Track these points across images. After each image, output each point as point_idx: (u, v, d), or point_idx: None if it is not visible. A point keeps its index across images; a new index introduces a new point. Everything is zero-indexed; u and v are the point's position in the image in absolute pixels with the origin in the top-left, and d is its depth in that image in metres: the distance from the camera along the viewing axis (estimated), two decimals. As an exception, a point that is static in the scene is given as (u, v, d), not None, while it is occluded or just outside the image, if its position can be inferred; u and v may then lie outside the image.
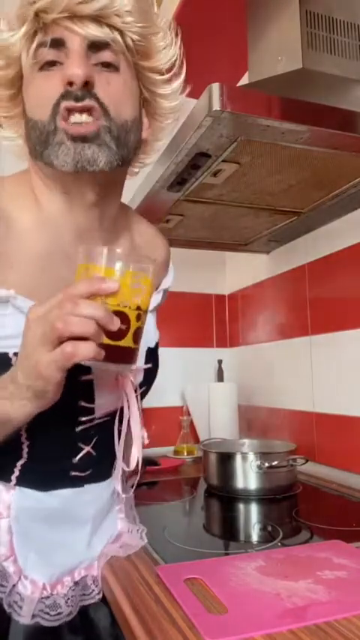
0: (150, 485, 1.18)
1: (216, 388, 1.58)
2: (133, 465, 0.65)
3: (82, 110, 0.56)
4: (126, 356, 0.52)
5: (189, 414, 1.60)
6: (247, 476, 1.02)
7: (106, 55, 0.57)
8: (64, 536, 0.66)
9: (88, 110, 0.56)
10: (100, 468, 0.69)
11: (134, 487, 0.77)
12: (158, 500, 1.06)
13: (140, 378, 0.70)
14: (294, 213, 1.19)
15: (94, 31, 0.56)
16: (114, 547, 0.71)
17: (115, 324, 0.49)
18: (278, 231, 1.32)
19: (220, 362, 1.64)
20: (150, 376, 0.73)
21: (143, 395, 0.72)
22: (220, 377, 1.63)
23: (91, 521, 0.69)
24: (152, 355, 0.75)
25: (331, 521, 0.86)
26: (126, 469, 0.67)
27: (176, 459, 1.46)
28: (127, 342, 0.52)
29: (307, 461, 1.05)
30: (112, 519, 0.74)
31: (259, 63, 1.12)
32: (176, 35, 0.65)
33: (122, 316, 0.50)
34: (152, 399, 1.62)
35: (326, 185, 1.02)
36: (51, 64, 0.57)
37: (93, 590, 0.66)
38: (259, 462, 1.01)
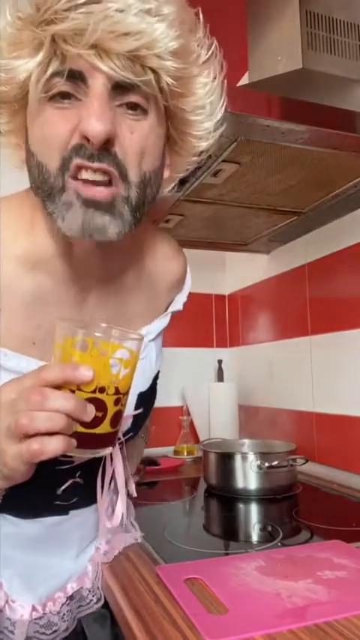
0: (150, 485, 1.18)
1: (216, 388, 1.58)
2: (117, 522, 0.64)
3: (96, 170, 0.47)
4: (103, 441, 0.47)
5: (189, 414, 1.60)
6: (247, 476, 1.02)
7: (133, 97, 0.47)
8: (49, 561, 0.65)
9: (103, 171, 0.47)
10: (85, 495, 0.65)
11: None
12: (158, 500, 1.06)
13: (128, 425, 0.65)
14: (294, 213, 1.19)
15: (123, 71, 0.45)
16: (100, 554, 0.70)
17: (89, 414, 0.44)
18: (278, 231, 1.32)
19: (220, 362, 1.64)
20: (139, 421, 0.68)
21: (133, 435, 0.69)
22: (220, 377, 1.63)
23: (76, 544, 0.68)
24: (150, 391, 0.72)
25: (331, 521, 0.86)
26: (109, 526, 0.66)
27: (176, 459, 1.46)
28: (103, 428, 0.46)
29: (307, 461, 1.05)
30: (89, 536, 0.71)
31: (259, 63, 1.12)
32: (219, 66, 0.56)
33: (98, 403, 0.45)
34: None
35: (326, 185, 1.02)
36: (64, 95, 0.46)
37: (91, 600, 0.66)
38: (259, 462, 1.01)
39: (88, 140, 0.45)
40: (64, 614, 0.63)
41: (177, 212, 1.15)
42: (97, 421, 0.45)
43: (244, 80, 1.59)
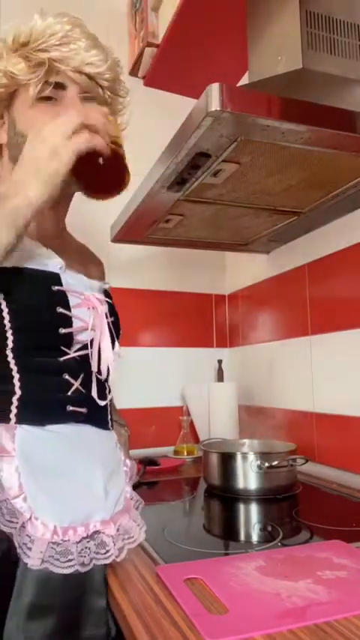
0: (150, 485, 1.18)
1: (216, 388, 1.58)
2: (103, 368, 0.73)
3: None
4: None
5: (189, 414, 1.60)
6: (247, 476, 1.02)
7: (89, 104, 0.74)
8: (75, 478, 0.66)
9: None
10: (95, 411, 0.72)
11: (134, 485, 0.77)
12: (158, 500, 1.06)
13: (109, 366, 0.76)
14: (294, 213, 1.19)
15: (89, 85, 0.75)
16: (125, 516, 0.69)
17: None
18: (278, 231, 1.32)
19: (220, 362, 1.64)
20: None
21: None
22: (220, 377, 1.63)
23: (100, 466, 0.69)
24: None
25: (331, 521, 0.86)
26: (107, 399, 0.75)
27: (176, 459, 1.46)
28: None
29: (307, 461, 1.05)
30: (121, 478, 0.74)
31: (259, 63, 1.12)
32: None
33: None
34: (152, 399, 1.63)
35: (326, 185, 1.02)
36: (48, 98, 0.73)
37: (108, 550, 0.64)
38: (259, 462, 1.01)
39: None
40: (82, 550, 0.62)
41: (177, 212, 1.15)
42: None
43: (244, 80, 1.59)
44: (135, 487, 1.11)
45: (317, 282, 1.33)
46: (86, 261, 0.88)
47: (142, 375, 1.60)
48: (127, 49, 1.73)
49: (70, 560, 0.60)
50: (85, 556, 0.62)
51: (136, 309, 1.64)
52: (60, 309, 0.68)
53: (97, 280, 0.84)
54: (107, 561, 0.64)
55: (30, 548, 0.59)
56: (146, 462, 1.28)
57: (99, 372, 0.74)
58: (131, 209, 1.15)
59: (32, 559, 0.58)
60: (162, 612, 0.55)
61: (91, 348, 0.73)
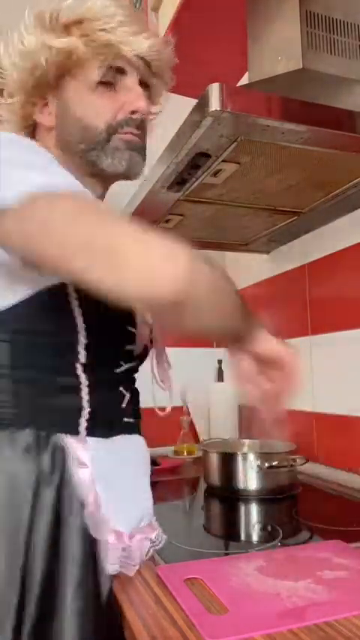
0: (150, 485, 1.18)
1: (216, 388, 1.58)
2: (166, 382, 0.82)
3: (137, 136, 0.69)
4: None
5: (189, 414, 1.60)
6: (248, 476, 1.02)
7: (146, 93, 0.71)
8: (136, 487, 0.68)
9: (140, 138, 0.70)
10: (138, 421, 0.74)
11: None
12: (158, 501, 1.06)
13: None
14: (294, 213, 1.19)
15: (147, 72, 0.71)
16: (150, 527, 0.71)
17: None
18: (278, 231, 1.32)
19: (220, 362, 1.64)
20: None
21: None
22: (220, 377, 1.63)
23: (147, 472, 0.71)
24: None
25: (331, 521, 0.86)
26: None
27: (176, 458, 1.46)
28: None
29: (307, 461, 1.05)
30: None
31: (259, 63, 1.12)
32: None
33: None
34: (152, 399, 1.62)
35: (326, 185, 1.02)
36: (107, 84, 0.68)
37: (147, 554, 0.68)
38: (259, 462, 1.01)
39: (134, 113, 0.68)
40: (140, 553, 0.65)
41: (177, 212, 1.15)
42: None
43: (244, 80, 1.59)
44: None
45: (317, 282, 1.33)
46: None
47: (142, 375, 1.60)
48: (127, 49, 1.73)
49: (134, 565, 0.64)
50: (142, 558, 0.65)
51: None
52: (129, 328, 0.70)
53: None
54: (137, 566, 0.65)
55: (106, 555, 0.61)
56: None
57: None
58: (131, 209, 1.15)
59: (111, 565, 0.61)
60: (162, 612, 0.55)
61: (151, 359, 0.79)
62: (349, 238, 1.20)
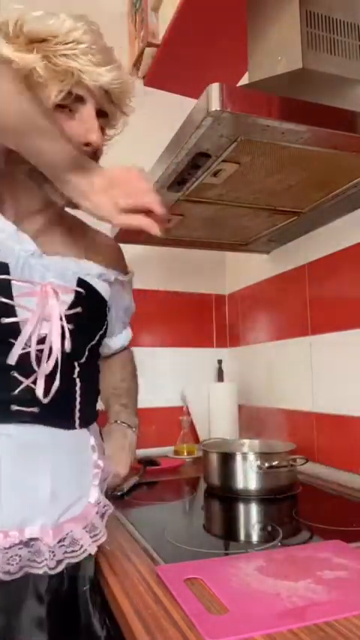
0: (150, 485, 1.18)
1: (216, 388, 1.58)
2: (50, 365, 0.66)
3: None
4: None
5: (189, 414, 1.60)
6: (247, 476, 1.02)
7: (102, 122, 0.72)
8: (13, 481, 0.63)
9: None
10: (50, 410, 0.66)
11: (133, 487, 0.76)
12: (158, 500, 1.06)
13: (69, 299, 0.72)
14: (294, 213, 1.19)
15: (107, 105, 0.72)
16: (78, 525, 0.66)
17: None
18: (278, 231, 1.32)
19: (220, 362, 1.64)
20: (81, 301, 0.73)
21: (89, 328, 0.75)
22: (220, 377, 1.63)
23: (49, 468, 0.66)
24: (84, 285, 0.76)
25: (331, 521, 0.86)
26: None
27: (176, 458, 1.46)
28: None
29: (307, 461, 1.05)
30: (85, 482, 0.70)
31: (259, 63, 1.12)
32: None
33: None
34: (152, 399, 1.63)
35: (326, 185, 1.02)
36: (64, 107, 0.68)
37: (44, 560, 0.62)
38: (259, 462, 1.01)
39: (87, 145, 0.69)
40: (10, 557, 0.60)
41: (177, 212, 1.15)
42: None
43: (244, 80, 1.59)
44: (135, 487, 1.12)
45: (317, 282, 1.33)
46: (88, 243, 0.83)
47: (142, 375, 1.60)
48: (127, 49, 1.73)
49: (10, 572, 0.59)
50: (12, 564, 0.59)
51: (136, 309, 1.63)
52: (1, 298, 0.64)
53: (105, 263, 0.80)
54: (40, 572, 0.62)
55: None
56: (146, 462, 1.28)
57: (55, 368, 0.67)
58: (131, 209, 1.15)
59: None
60: (162, 612, 0.55)
61: (43, 343, 0.66)
62: (349, 238, 1.20)
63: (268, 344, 1.56)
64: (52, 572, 0.62)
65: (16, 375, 0.65)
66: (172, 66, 1.62)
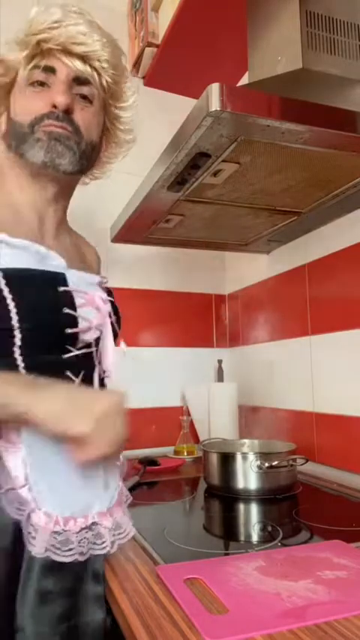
0: (150, 485, 1.18)
1: (216, 388, 1.58)
2: (108, 366, 0.76)
3: (59, 127, 0.71)
4: None
5: (189, 414, 1.60)
6: (248, 476, 1.02)
7: (84, 89, 0.74)
8: (77, 470, 0.66)
9: (64, 129, 0.72)
10: None
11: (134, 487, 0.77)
12: (158, 500, 1.06)
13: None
14: (294, 213, 1.19)
15: (80, 67, 0.72)
16: (119, 509, 0.71)
17: None
18: (278, 231, 1.32)
19: (220, 362, 1.64)
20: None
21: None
22: (220, 377, 1.63)
23: (102, 470, 0.69)
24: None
25: (331, 521, 0.86)
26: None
27: (176, 458, 1.46)
28: None
29: (307, 461, 1.05)
30: (117, 472, 0.74)
31: (259, 63, 1.12)
32: (136, 89, 0.84)
33: None
34: (152, 399, 1.63)
35: (326, 185, 1.02)
36: (40, 83, 0.72)
37: (104, 542, 0.66)
38: (259, 462, 1.01)
39: (55, 108, 0.70)
40: (81, 540, 0.64)
41: (177, 212, 1.15)
42: None
43: (244, 80, 1.59)
44: (135, 487, 1.11)
45: (317, 282, 1.33)
46: (83, 253, 0.88)
47: (142, 375, 1.60)
48: (128, 49, 1.73)
49: (70, 550, 0.62)
50: (83, 546, 0.63)
51: (136, 309, 1.64)
52: (66, 310, 0.68)
53: (95, 268, 0.87)
54: (102, 552, 0.65)
55: (34, 537, 0.60)
56: (146, 462, 1.28)
57: (103, 370, 0.76)
58: (131, 209, 1.15)
59: (36, 547, 0.60)
60: (162, 612, 0.55)
61: (96, 346, 0.74)
62: (349, 238, 1.20)
63: (268, 344, 1.56)
64: (111, 552, 0.67)
65: (69, 374, 0.70)
66: (172, 66, 1.62)
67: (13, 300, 0.64)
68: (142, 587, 0.62)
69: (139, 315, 1.64)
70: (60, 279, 0.69)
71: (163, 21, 1.54)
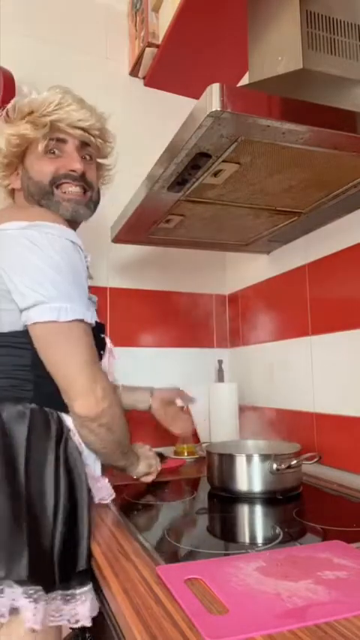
0: (150, 485, 1.18)
1: (216, 388, 1.58)
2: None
3: (77, 185, 0.98)
4: None
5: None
6: (250, 477, 1.02)
7: (87, 151, 1.01)
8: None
9: (82, 188, 0.99)
10: None
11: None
12: (158, 500, 1.06)
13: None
14: (294, 213, 1.19)
15: (84, 136, 1.00)
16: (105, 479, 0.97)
17: None
18: (278, 232, 1.32)
19: (220, 362, 1.64)
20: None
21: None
22: (220, 377, 1.63)
23: None
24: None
25: (331, 521, 0.86)
26: None
27: (177, 459, 1.46)
28: None
29: (320, 458, 1.04)
30: None
31: (259, 63, 1.12)
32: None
33: None
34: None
35: (326, 185, 1.02)
36: (53, 152, 0.98)
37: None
38: (275, 465, 1.00)
39: (73, 172, 0.97)
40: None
41: (177, 212, 1.15)
42: None
43: (244, 80, 1.59)
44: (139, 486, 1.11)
45: (317, 282, 1.33)
46: None
47: (142, 375, 1.60)
48: (128, 49, 1.73)
49: (110, 496, 0.97)
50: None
51: (136, 309, 1.64)
52: (102, 335, 1.00)
53: None
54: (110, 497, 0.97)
55: (96, 490, 0.93)
56: (161, 457, 1.28)
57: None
58: (131, 209, 1.15)
59: (99, 496, 0.94)
60: (162, 612, 0.55)
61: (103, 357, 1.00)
62: (349, 238, 1.20)
63: (268, 344, 1.56)
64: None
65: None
66: (172, 66, 1.62)
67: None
68: (142, 587, 0.62)
69: (140, 315, 1.64)
70: (101, 327, 0.98)
71: (163, 21, 1.54)
